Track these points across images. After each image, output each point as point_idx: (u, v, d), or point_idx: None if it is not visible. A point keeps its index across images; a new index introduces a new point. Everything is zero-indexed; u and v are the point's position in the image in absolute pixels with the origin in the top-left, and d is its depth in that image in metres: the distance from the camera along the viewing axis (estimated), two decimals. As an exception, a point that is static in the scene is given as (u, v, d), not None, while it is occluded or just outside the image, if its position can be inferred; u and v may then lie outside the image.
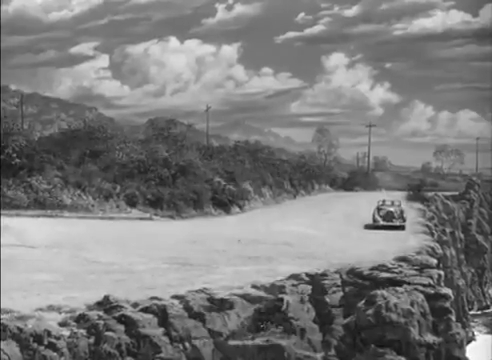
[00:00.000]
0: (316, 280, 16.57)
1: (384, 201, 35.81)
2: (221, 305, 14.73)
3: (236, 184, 45.32)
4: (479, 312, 48.42)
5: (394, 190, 63.52)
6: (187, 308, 14.34)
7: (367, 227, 32.50)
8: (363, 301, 15.15)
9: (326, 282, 16.48)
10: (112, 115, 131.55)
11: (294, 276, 16.84)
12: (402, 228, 32.13)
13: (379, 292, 15.18)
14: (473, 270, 50.74)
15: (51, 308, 13.85)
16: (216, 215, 40.11)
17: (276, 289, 15.85)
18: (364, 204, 44.10)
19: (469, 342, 27.57)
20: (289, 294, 15.62)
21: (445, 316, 15.51)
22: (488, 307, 50.33)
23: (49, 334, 12.49)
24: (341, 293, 16.37)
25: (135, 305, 14.16)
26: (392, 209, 33.62)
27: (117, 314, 13.63)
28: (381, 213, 33.47)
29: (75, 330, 12.94)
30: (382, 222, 32.74)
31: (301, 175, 61.32)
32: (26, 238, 24.99)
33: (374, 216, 33.57)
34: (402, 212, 33.58)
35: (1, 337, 12.06)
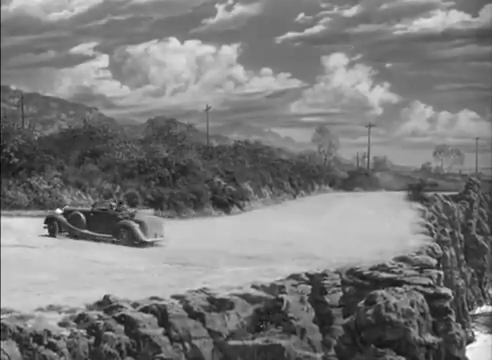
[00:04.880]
0: (316, 280, 16.58)
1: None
2: (221, 305, 14.74)
3: (236, 184, 45.31)
4: (479, 312, 48.38)
5: (394, 190, 63.56)
6: (187, 308, 14.35)
7: None
8: (363, 301, 15.15)
9: (326, 282, 16.49)
10: (112, 115, 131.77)
11: (294, 276, 16.85)
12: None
13: (379, 292, 15.18)
14: (473, 270, 50.62)
15: (51, 308, 13.85)
16: (216, 215, 40.11)
17: (276, 289, 15.86)
18: (364, 204, 44.19)
19: (469, 342, 27.58)
20: (289, 294, 15.63)
21: (445, 316, 15.52)
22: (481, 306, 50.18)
23: (49, 334, 12.50)
24: (341, 293, 16.39)
25: (135, 305, 14.16)
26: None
27: (117, 314, 13.63)
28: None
29: (75, 330, 12.94)
30: None
31: (301, 175, 61.23)
32: (26, 238, 25.01)
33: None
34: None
35: (1, 337, 12.06)
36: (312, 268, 17.90)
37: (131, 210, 27.29)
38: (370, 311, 14.66)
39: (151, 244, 25.79)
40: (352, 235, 27.49)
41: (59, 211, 27.79)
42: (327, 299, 16.05)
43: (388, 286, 15.66)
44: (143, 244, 25.57)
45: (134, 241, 25.59)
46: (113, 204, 27.73)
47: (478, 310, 47.33)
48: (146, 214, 27.23)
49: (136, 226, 25.73)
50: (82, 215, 27.02)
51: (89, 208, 27.94)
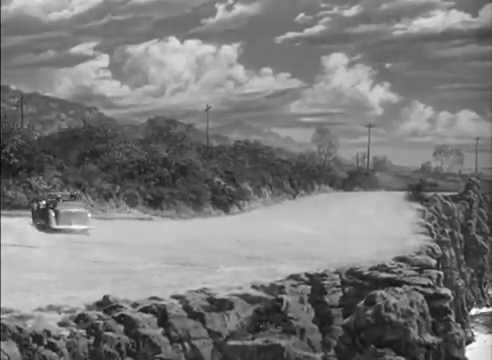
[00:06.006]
0: (316, 280, 16.57)
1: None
2: (221, 305, 14.73)
3: (236, 184, 45.32)
4: (479, 312, 48.34)
5: (394, 190, 63.53)
6: (187, 308, 14.34)
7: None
8: (363, 301, 15.14)
9: (326, 282, 16.48)
10: (112, 115, 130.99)
11: (294, 276, 16.83)
12: None
13: (378, 292, 15.17)
14: (472, 270, 50.57)
15: (51, 308, 13.85)
16: (216, 215, 40.13)
17: (276, 289, 15.85)
18: (364, 204, 44.18)
19: (468, 342, 27.57)
20: (289, 294, 15.62)
21: (444, 316, 15.51)
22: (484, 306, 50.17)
23: (49, 334, 12.49)
24: (341, 293, 16.38)
25: (135, 305, 14.15)
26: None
27: (117, 314, 13.63)
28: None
29: (75, 330, 12.93)
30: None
31: (301, 175, 61.21)
32: (26, 238, 25.02)
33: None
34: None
35: (1, 337, 12.06)
36: (312, 268, 17.89)
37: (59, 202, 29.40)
38: (370, 311, 14.65)
39: (84, 232, 27.96)
40: (352, 235, 27.48)
41: (43, 203, 30.20)
42: (327, 299, 16.04)
43: (388, 286, 15.64)
44: (61, 231, 27.87)
45: (49, 228, 28.12)
46: (59, 196, 30.21)
47: (474, 311, 47.33)
48: (68, 206, 29.21)
49: (52, 215, 28.42)
50: (42, 206, 29.98)
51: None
